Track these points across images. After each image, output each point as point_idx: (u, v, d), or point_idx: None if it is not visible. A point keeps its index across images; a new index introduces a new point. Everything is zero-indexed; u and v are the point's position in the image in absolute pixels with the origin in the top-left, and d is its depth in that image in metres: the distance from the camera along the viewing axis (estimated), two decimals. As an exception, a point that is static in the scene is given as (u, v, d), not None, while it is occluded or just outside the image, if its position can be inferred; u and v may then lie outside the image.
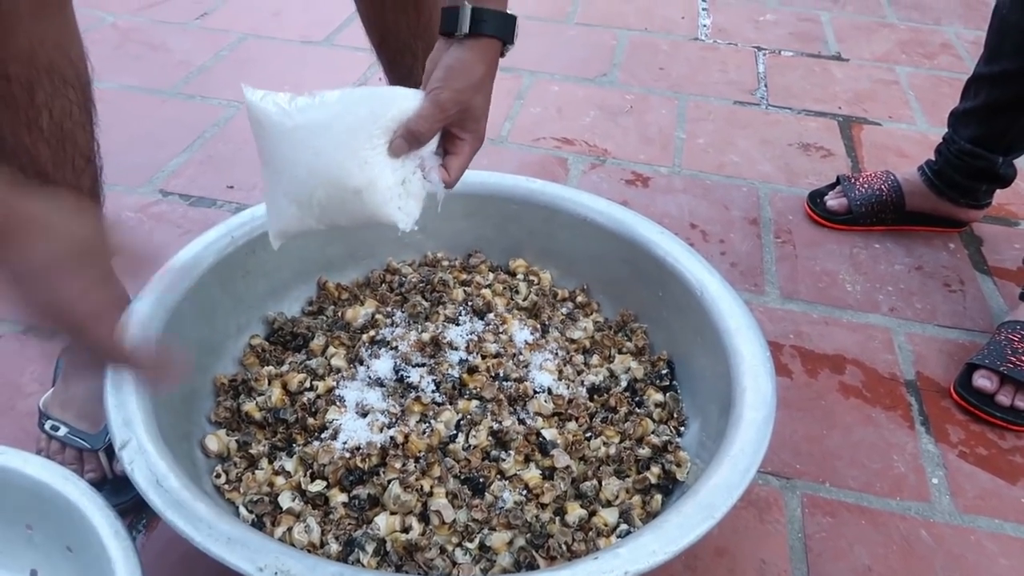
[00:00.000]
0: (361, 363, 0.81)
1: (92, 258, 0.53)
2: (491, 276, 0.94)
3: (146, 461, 0.60)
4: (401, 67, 1.00)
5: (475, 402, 0.77)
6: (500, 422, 0.75)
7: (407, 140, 0.65)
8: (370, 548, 0.65)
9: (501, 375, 0.79)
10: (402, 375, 0.78)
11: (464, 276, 0.93)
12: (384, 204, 0.66)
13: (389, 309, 0.88)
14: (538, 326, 0.87)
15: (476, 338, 0.83)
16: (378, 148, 0.64)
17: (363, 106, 0.64)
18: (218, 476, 0.72)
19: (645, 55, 1.74)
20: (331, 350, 0.83)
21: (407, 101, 0.65)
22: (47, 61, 0.67)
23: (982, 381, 0.95)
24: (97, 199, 0.79)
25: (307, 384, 0.79)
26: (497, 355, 0.81)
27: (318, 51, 1.69)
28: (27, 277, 0.50)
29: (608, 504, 0.71)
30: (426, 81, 0.68)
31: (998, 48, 1.10)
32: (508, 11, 0.68)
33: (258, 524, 0.68)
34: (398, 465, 0.69)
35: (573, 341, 0.87)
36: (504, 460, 0.72)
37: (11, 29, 0.63)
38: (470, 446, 0.73)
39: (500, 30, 0.67)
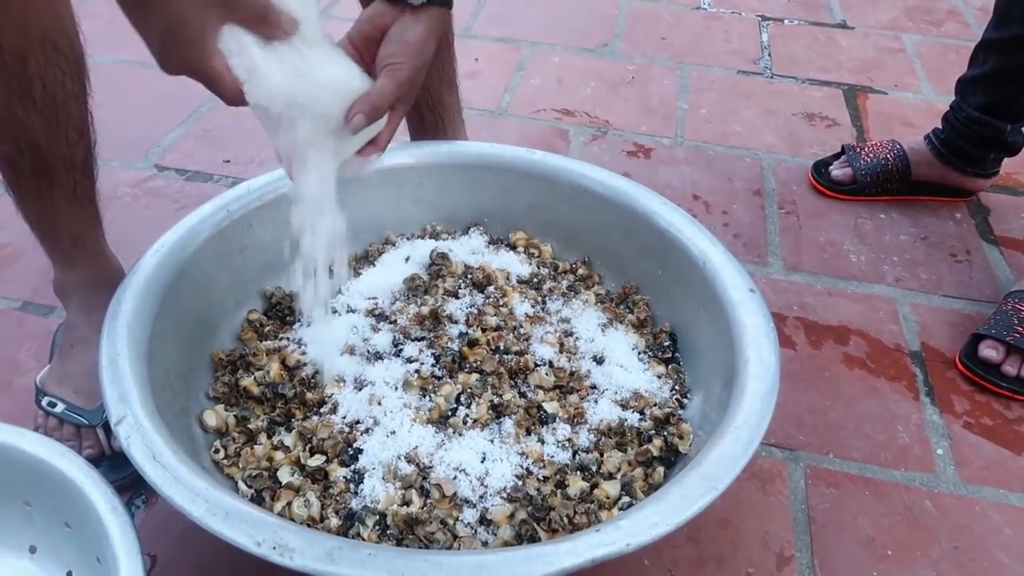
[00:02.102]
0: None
1: (228, 15, 0.57)
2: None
3: (143, 437, 0.59)
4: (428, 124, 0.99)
5: (475, 375, 0.76)
6: (500, 395, 0.74)
7: (368, 116, 0.63)
8: (370, 522, 0.64)
9: (501, 348, 0.78)
10: (401, 349, 0.78)
11: (463, 249, 0.92)
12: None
13: (388, 283, 0.87)
14: (539, 299, 0.86)
15: (476, 311, 0.82)
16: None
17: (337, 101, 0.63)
18: (216, 451, 0.71)
19: (647, 25, 1.72)
20: (330, 324, 0.82)
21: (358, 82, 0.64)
22: (40, 31, 0.66)
23: (988, 351, 0.94)
24: (90, 173, 0.78)
25: (305, 359, 0.78)
26: (497, 328, 0.80)
27: (315, 23, 1.66)
28: (175, 39, 0.55)
29: (610, 476, 0.71)
30: (364, 43, 0.66)
31: (1008, 12, 1.08)
32: None
33: (257, 499, 0.68)
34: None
35: (574, 314, 0.86)
36: (505, 433, 0.72)
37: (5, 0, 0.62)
38: (470, 419, 0.73)
39: None
